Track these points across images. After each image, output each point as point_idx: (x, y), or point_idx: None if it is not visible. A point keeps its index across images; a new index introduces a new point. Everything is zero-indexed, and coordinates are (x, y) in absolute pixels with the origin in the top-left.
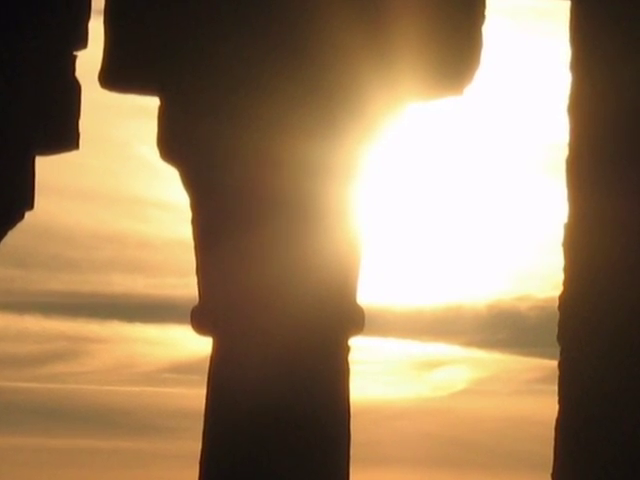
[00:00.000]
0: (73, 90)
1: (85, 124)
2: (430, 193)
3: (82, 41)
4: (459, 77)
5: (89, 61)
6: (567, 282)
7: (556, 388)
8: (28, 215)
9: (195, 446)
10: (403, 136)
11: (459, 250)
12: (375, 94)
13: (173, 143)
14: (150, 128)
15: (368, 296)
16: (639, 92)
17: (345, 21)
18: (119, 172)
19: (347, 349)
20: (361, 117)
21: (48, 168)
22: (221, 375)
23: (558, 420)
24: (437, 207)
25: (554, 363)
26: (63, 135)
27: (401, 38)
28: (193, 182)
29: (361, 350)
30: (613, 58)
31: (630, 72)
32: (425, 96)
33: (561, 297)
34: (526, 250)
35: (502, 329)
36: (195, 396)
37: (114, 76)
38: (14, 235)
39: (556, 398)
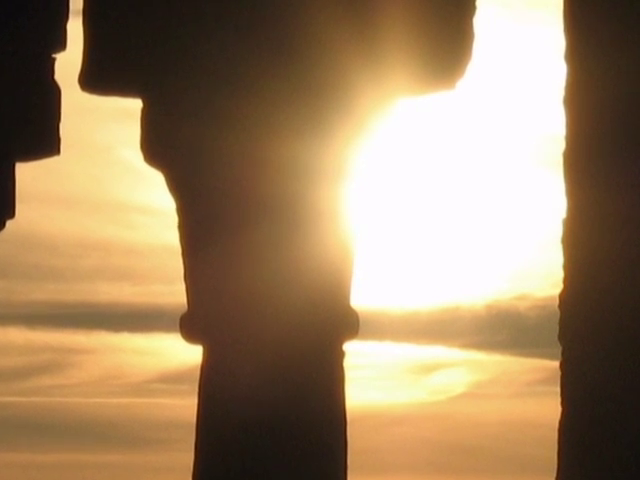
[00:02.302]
0: (53, 94)
1: (66, 128)
2: (424, 191)
3: (61, 43)
4: (451, 71)
5: (68, 63)
6: (567, 280)
7: (558, 389)
8: (9, 224)
9: (187, 458)
10: (394, 133)
11: (455, 249)
12: (364, 90)
13: (157, 146)
14: (133, 131)
15: (362, 299)
16: (637, 81)
17: (332, 15)
18: (102, 177)
19: (342, 354)
20: (350, 114)
21: (29, 175)
22: (212, 384)
23: (561, 422)
24: (431, 205)
25: (556, 364)
26: (43, 140)
27: (390, 31)
28: (179, 186)
29: (356, 355)
30: (609, 47)
31: (627, 61)
32: (416, 91)
33: (561, 295)
34: (524, 247)
35: (501, 330)
36: (186, 406)
37: (94, 78)
38: None
39: (559, 399)
